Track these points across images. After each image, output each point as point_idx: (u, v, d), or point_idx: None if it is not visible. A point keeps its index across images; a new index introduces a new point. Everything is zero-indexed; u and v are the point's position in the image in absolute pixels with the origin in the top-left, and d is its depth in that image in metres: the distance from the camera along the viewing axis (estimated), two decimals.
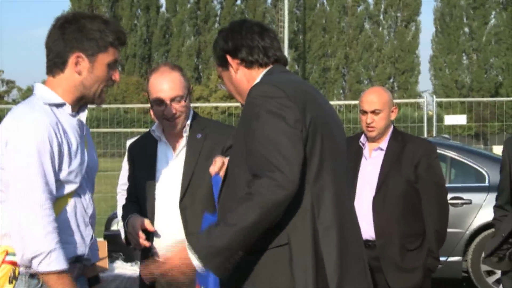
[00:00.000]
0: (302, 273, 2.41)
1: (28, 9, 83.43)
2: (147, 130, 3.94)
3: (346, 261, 2.50)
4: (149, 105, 3.57)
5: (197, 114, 3.55)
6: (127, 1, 42.46)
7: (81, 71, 2.70)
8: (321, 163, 2.46)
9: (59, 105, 2.71)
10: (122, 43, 2.78)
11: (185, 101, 3.40)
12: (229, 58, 2.65)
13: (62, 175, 2.64)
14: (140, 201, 3.48)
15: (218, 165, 2.89)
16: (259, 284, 2.45)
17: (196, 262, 2.36)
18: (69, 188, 2.67)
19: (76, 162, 2.68)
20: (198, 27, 43.72)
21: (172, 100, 3.36)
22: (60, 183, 2.64)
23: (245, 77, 2.67)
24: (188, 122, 3.43)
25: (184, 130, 3.43)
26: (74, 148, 2.69)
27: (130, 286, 4.84)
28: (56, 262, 2.54)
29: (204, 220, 2.90)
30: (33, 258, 2.53)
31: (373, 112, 4.09)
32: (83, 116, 2.80)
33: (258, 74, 2.65)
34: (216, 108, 20.46)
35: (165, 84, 3.37)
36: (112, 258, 5.19)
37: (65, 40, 2.71)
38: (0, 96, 43.87)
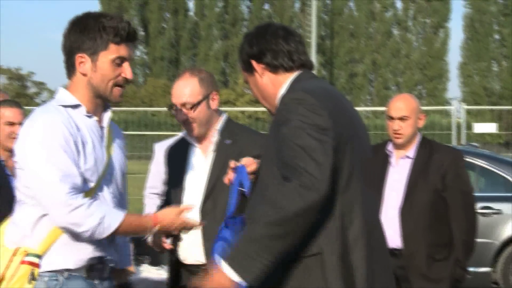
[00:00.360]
0: (335, 282, 2.40)
1: (58, 12, 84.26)
2: (174, 133, 3.96)
3: (374, 271, 2.49)
4: None
5: (230, 120, 3.52)
6: (156, 4, 42.70)
7: (86, 71, 2.72)
8: (351, 172, 2.44)
9: (74, 106, 2.73)
10: (124, 38, 2.72)
11: (196, 108, 3.37)
12: (254, 63, 2.64)
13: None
14: (170, 203, 3.49)
15: (246, 162, 2.88)
16: None
17: (236, 278, 2.32)
18: (86, 188, 2.67)
19: (90, 161, 2.68)
20: (225, 31, 43.83)
21: (183, 105, 3.36)
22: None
23: (271, 82, 2.65)
24: (218, 127, 3.43)
25: (213, 135, 3.43)
26: (89, 147, 2.69)
27: None
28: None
29: (226, 229, 2.90)
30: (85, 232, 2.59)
31: (400, 118, 4.06)
32: (106, 117, 2.81)
33: (284, 79, 2.63)
34: (242, 112, 20.48)
35: (178, 89, 3.38)
36: (138, 261, 5.21)
37: (70, 42, 2.74)
38: (31, 97, 44.37)
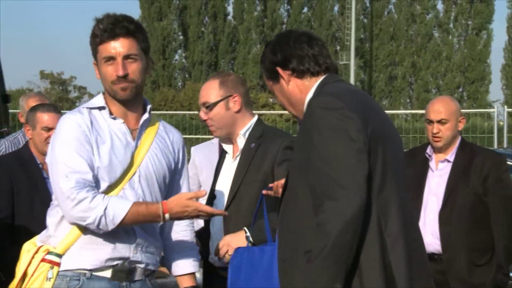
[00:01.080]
0: (374, 283, 2.36)
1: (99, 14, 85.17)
2: (212, 136, 3.99)
3: (413, 273, 2.45)
4: None
5: (259, 123, 3.51)
6: (195, 9, 42.92)
7: (98, 75, 2.82)
8: (384, 173, 2.41)
9: (99, 108, 2.80)
10: (105, 37, 2.73)
11: (213, 108, 3.39)
12: (279, 70, 2.62)
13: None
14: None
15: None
16: None
17: None
18: (100, 186, 2.70)
19: (105, 160, 2.71)
20: (264, 34, 43.81)
21: (203, 105, 3.43)
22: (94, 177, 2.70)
23: (298, 87, 2.63)
24: (243, 130, 3.42)
25: (239, 138, 3.43)
26: (105, 147, 2.73)
27: None
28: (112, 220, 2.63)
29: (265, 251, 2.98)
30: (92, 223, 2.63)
31: (439, 121, 4.01)
32: (141, 120, 2.83)
33: (311, 84, 2.62)
34: (281, 115, 20.43)
35: (201, 90, 3.47)
36: None
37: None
38: (73, 101, 45.01)
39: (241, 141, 3.42)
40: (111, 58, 2.73)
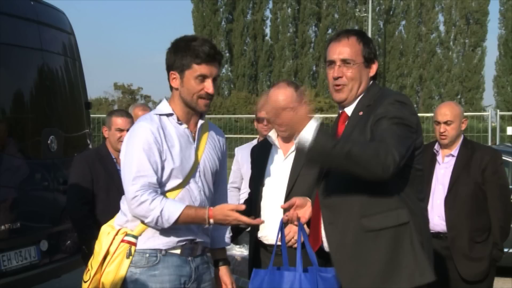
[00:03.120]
0: (419, 252, 2.34)
1: (163, 38, 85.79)
2: (253, 136, 3.93)
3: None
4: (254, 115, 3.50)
5: None
6: (238, 31, 43.06)
7: (177, 85, 2.74)
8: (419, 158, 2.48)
9: (167, 115, 2.74)
10: (204, 59, 2.67)
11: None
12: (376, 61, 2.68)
13: (165, 171, 2.65)
14: (252, 196, 3.46)
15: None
16: (383, 257, 2.35)
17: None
18: (173, 183, 2.67)
19: (177, 161, 2.66)
20: (296, 52, 43.72)
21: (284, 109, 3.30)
22: (165, 177, 2.66)
23: (367, 78, 2.65)
24: None
25: (294, 136, 3.35)
26: (176, 150, 2.68)
27: (239, 265, 4.86)
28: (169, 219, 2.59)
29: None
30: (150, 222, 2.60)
31: (445, 123, 3.97)
32: (198, 124, 2.79)
33: (368, 82, 2.64)
34: None
35: (280, 96, 3.28)
36: None
37: (167, 61, 2.77)
38: None
39: (296, 140, 3.33)
40: (204, 77, 2.69)
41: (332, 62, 2.59)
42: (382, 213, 2.34)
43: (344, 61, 2.57)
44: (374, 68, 2.61)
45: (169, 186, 2.68)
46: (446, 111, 4.00)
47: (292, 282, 2.63)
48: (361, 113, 2.50)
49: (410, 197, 2.40)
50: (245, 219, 2.65)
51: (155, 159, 2.62)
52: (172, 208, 2.60)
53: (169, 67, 2.73)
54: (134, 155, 2.62)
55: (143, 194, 2.58)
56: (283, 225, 2.92)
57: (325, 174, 2.54)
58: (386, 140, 2.27)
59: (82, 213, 4.24)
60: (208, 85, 2.70)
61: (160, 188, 2.66)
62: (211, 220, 2.63)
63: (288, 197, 3.21)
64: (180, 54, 2.69)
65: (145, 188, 2.59)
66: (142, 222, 2.66)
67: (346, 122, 2.57)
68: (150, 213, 2.57)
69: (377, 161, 2.21)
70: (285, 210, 3.04)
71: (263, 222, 2.80)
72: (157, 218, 2.58)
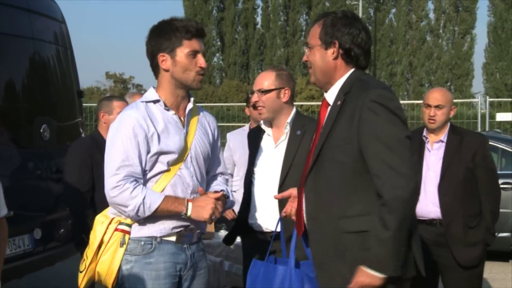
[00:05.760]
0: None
1: (150, 25, 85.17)
2: (244, 124, 3.94)
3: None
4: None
5: (299, 112, 3.44)
6: (230, 20, 42.84)
7: (168, 67, 2.70)
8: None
9: (154, 101, 2.71)
10: (194, 34, 2.65)
11: (267, 94, 3.29)
12: (336, 42, 2.53)
13: (154, 158, 2.62)
14: (245, 180, 3.47)
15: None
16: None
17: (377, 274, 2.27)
18: (164, 170, 2.64)
19: (165, 147, 2.63)
20: (287, 40, 43.59)
21: (258, 91, 3.32)
22: (155, 164, 2.63)
23: (336, 65, 2.55)
24: (288, 119, 3.36)
25: (284, 126, 3.35)
26: (164, 136, 2.64)
27: (232, 252, 4.88)
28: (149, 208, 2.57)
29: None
30: (130, 212, 2.57)
31: (436, 106, 3.97)
32: (187, 109, 2.76)
33: (347, 70, 2.54)
34: (300, 106, 20.34)
35: (258, 78, 3.37)
36: (217, 228, 5.23)
37: (152, 46, 2.73)
38: None
39: (286, 129, 3.34)
40: (196, 52, 2.68)
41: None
42: (360, 216, 2.31)
43: (307, 45, 2.57)
44: (333, 50, 2.48)
45: (160, 173, 2.66)
46: (438, 96, 3.99)
47: (283, 276, 2.71)
48: (339, 102, 2.43)
49: None
50: (221, 210, 2.68)
51: (141, 148, 2.59)
52: (153, 196, 2.58)
53: (156, 51, 2.69)
54: (119, 144, 2.59)
55: (125, 183, 2.55)
56: (282, 220, 2.95)
57: (311, 167, 2.49)
58: (389, 181, 2.25)
59: (84, 201, 4.20)
60: (201, 60, 2.69)
61: (151, 175, 2.65)
62: (189, 208, 2.62)
63: (281, 187, 3.21)
64: (167, 35, 2.66)
65: (128, 178, 2.56)
66: (120, 212, 2.62)
67: (328, 112, 2.51)
68: (131, 201, 2.54)
69: (404, 212, 2.25)
70: (280, 201, 3.05)
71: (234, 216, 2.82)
72: (139, 205, 2.55)
